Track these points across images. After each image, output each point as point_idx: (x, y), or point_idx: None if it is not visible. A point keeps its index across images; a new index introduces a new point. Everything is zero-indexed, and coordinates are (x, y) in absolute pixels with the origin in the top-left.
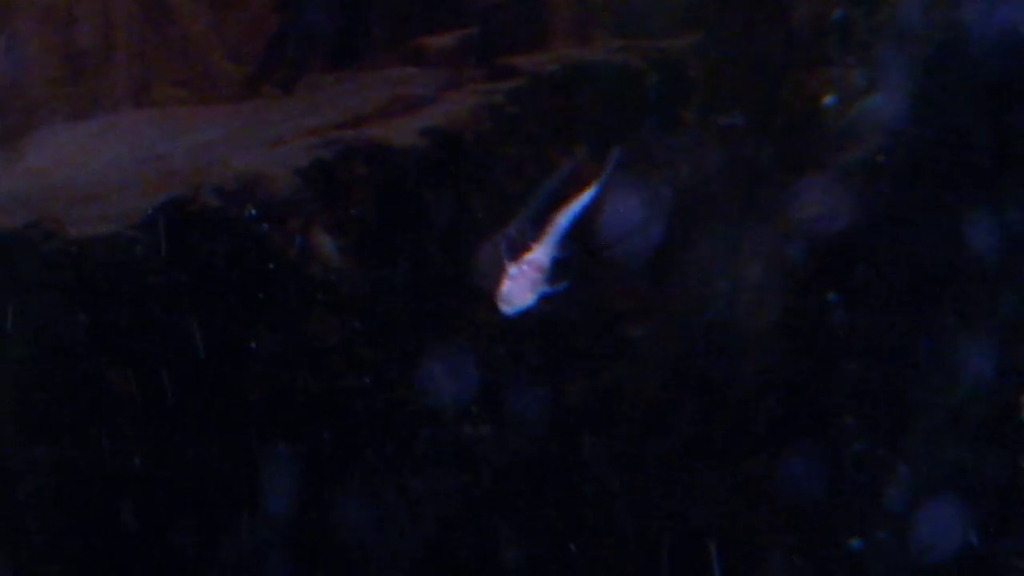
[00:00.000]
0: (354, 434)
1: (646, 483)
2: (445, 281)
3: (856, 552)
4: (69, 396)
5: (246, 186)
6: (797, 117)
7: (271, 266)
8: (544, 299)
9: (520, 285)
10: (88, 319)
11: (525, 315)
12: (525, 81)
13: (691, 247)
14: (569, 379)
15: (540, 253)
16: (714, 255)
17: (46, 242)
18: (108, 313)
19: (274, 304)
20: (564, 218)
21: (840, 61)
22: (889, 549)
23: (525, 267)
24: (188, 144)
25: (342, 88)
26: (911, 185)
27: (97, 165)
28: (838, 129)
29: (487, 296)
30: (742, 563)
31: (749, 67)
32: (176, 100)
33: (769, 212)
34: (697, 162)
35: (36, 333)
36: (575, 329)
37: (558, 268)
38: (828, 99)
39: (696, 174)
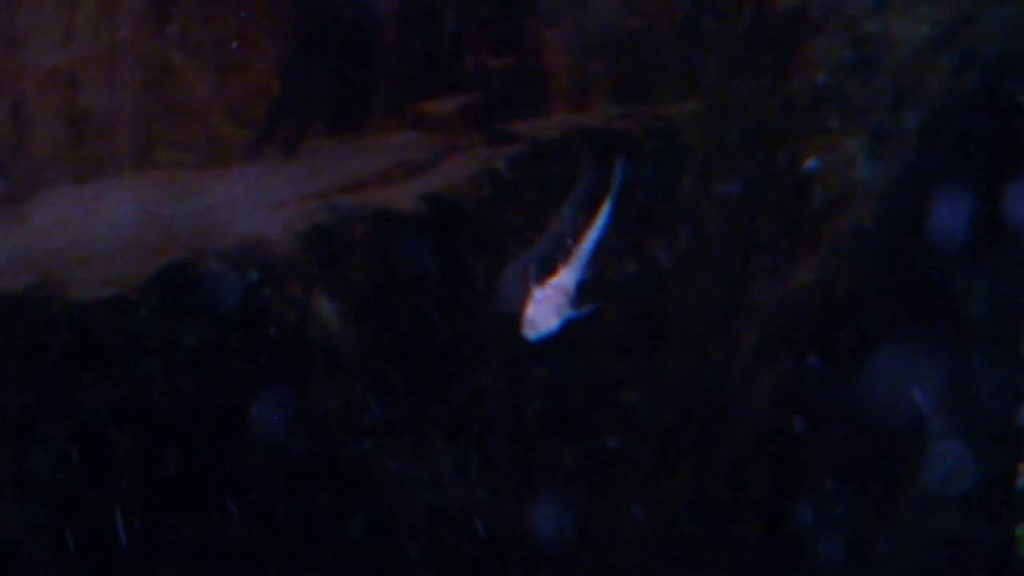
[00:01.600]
0: (352, 500)
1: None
2: (443, 345)
3: None
4: (70, 459)
5: (247, 250)
6: (792, 184)
7: (272, 330)
8: (568, 323)
9: (546, 309)
10: (90, 381)
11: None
12: (524, 147)
13: (687, 312)
14: (567, 444)
15: (565, 276)
16: (710, 320)
17: (48, 304)
18: (110, 376)
19: (275, 368)
20: (586, 241)
21: (835, 129)
22: None
23: (550, 291)
24: (190, 207)
25: (343, 152)
26: (900, 251)
27: (100, 227)
28: (830, 197)
29: (511, 319)
30: None
31: (746, 134)
32: (179, 163)
33: (765, 277)
34: (695, 227)
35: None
36: (573, 394)
37: (583, 291)
38: (810, 162)
39: (694, 239)
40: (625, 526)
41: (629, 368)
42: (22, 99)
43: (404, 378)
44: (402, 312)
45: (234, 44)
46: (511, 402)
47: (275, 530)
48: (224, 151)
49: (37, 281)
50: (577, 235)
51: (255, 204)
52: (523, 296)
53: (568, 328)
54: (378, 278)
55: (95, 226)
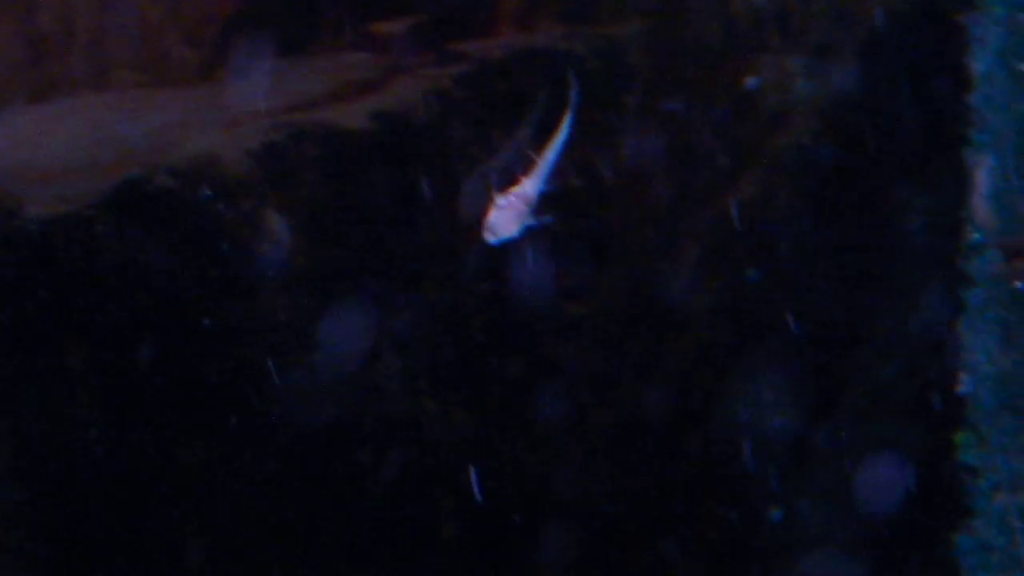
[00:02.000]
0: (301, 414)
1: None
2: (393, 260)
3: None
4: (28, 377)
5: (200, 167)
6: (734, 103)
7: (224, 245)
8: (529, 230)
9: (507, 215)
10: (47, 297)
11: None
12: (472, 66)
13: (631, 226)
14: (512, 355)
15: (528, 186)
16: (654, 234)
17: (5, 222)
18: (67, 291)
19: (227, 281)
20: (548, 153)
21: (776, 47)
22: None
23: (512, 198)
24: (144, 127)
25: (294, 73)
26: (839, 166)
27: (55, 147)
28: (771, 113)
29: (473, 224)
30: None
31: (689, 54)
32: (133, 84)
33: (707, 192)
34: (638, 144)
35: None
36: (518, 307)
37: (544, 201)
38: (750, 81)
39: (637, 155)
40: (571, 437)
41: (574, 281)
42: None
43: (354, 292)
44: (352, 228)
45: None
46: (458, 315)
47: (229, 441)
48: (178, 72)
49: None
50: (538, 148)
51: (208, 123)
52: (485, 202)
53: (515, 243)
54: (328, 194)
55: (50, 145)
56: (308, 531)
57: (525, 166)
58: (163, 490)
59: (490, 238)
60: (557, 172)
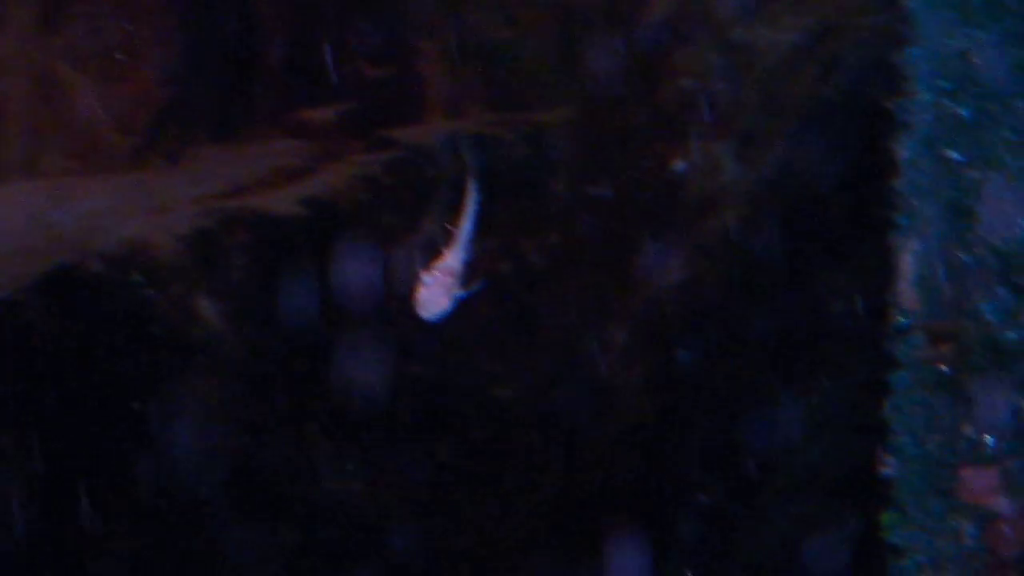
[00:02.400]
0: (233, 497)
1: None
2: (321, 344)
3: None
4: None
5: (131, 253)
6: (661, 187)
7: (155, 330)
8: (460, 302)
9: (436, 291)
10: None
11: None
12: (400, 152)
13: (559, 311)
14: (440, 439)
15: (451, 258)
16: (582, 319)
17: None
18: None
19: (158, 367)
20: (464, 222)
21: (703, 133)
22: None
23: (438, 273)
24: (76, 213)
25: (225, 159)
26: (765, 251)
27: None
28: (699, 198)
29: (405, 303)
30: None
31: (616, 139)
32: (65, 171)
33: (635, 277)
34: (566, 229)
35: None
36: (446, 390)
37: (469, 271)
38: (677, 164)
39: (565, 241)
40: (498, 519)
41: (502, 365)
42: None
43: (283, 376)
44: (281, 312)
45: (119, 55)
46: (387, 398)
47: (160, 525)
48: (109, 159)
49: None
50: (452, 222)
51: (139, 209)
52: (412, 281)
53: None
54: (258, 279)
55: None
56: None
57: (446, 240)
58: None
59: (424, 315)
60: (478, 243)
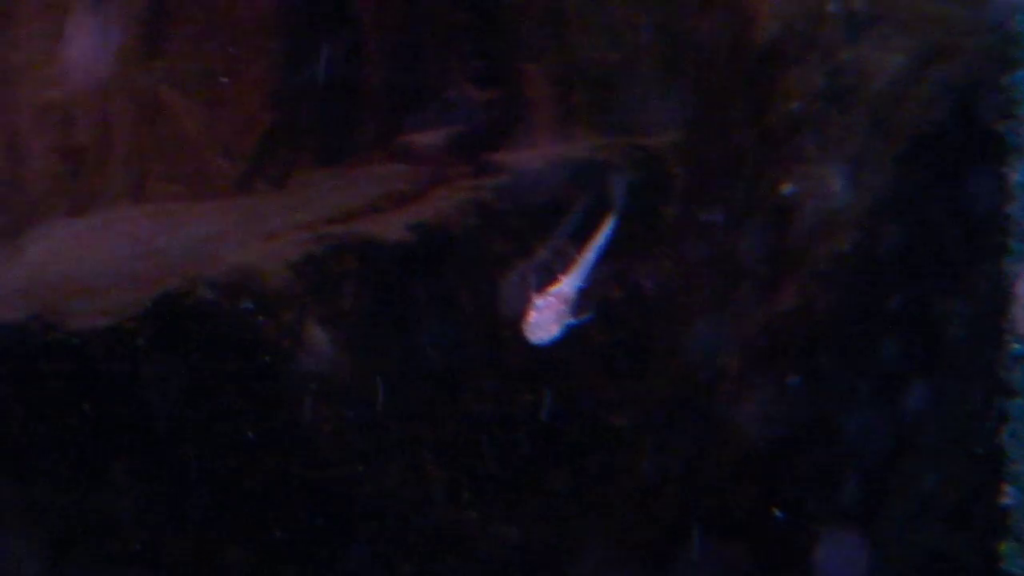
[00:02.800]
0: (346, 524)
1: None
2: (433, 372)
3: None
4: (71, 489)
5: (240, 280)
6: (772, 212)
7: (266, 358)
8: (569, 329)
9: (546, 316)
10: (89, 410)
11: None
12: (510, 177)
13: (672, 337)
14: (555, 466)
15: (566, 285)
16: (695, 346)
17: (47, 334)
18: (108, 405)
19: (269, 394)
20: (589, 251)
21: (813, 157)
22: None
23: (551, 298)
24: (183, 239)
25: (332, 184)
26: (879, 276)
27: (95, 259)
28: (810, 224)
29: (513, 324)
30: None
31: (726, 164)
32: (171, 196)
33: (748, 304)
34: (678, 255)
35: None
36: (559, 419)
37: (583, 300)
38: (787, 188)
39: (677, 266)
40: (613, 548)
41: (616, 393)
42: (17, 134)
43: (395, 404)
44: (392, 340)
45: (224, 78)
46: (500, 426)
47: (273, 556)
48: (215, 183)
49: (35, 312)
50: (579, 247)
51: (247, 235)
52: (524, 303)
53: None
54: (368, 306)
55: (91, 258)
56: None
57: (564, 266)
58: None
59: (532, 339)
60: (595, 273)
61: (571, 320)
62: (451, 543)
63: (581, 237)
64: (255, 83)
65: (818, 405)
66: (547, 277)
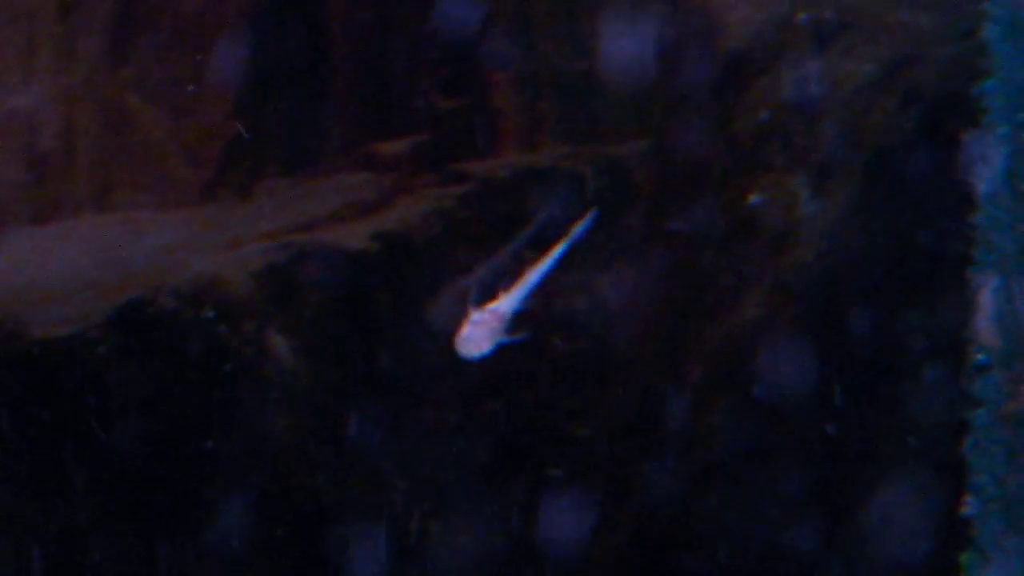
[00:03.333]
0: (307, 533)
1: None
2: (395, 381)
3: None
4: (29, 494)
5: (203, 288)
6: (737, 222)
7: (227, 366)
8: (501, 348)
9: (480, 332)
10: (50, 419)
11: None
12: (475, 186)
13: (635, 347)
14: (515, 477)
15: (504, 303)
16: (658, 356)
17: (8, 343)
18: (69, 414)
19: (230, 403)
20: (532, 274)
21: (779, 166)
22: None
23: (487, 315)
24: (147, 247)
25: (297, 193)
26: (842, 287)
27: (58, 267)
28: (774, 233)
29: (444, 339)
30: None
31: (692, 173)
32: (136, 204)
33: (711, 313)
34: (642, 264)
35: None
36: (520, 429)
37: (519, 320)
38: (754, 198)
39: (641, 276)
40: (576, 560)
41: (578, 403)
42: None
43: (357, 413)
44: (354, 349)
45: (190, 87)
46: (462, 436)
47: (232, 565)
48: (181, 192)
49: None
50: (523, 267)
51: (211, 243)
52: (459, 317)
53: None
54: (331, 315)
55: (53, 266)
56: None
57: (506, 283)
58: None
59: (462, 352)
60: (537, 293)
61: (504, 339)
62: (412, 553)
63: (530, 254)
64: (220, 91)
65: (784, 418)
66: (487, 293)
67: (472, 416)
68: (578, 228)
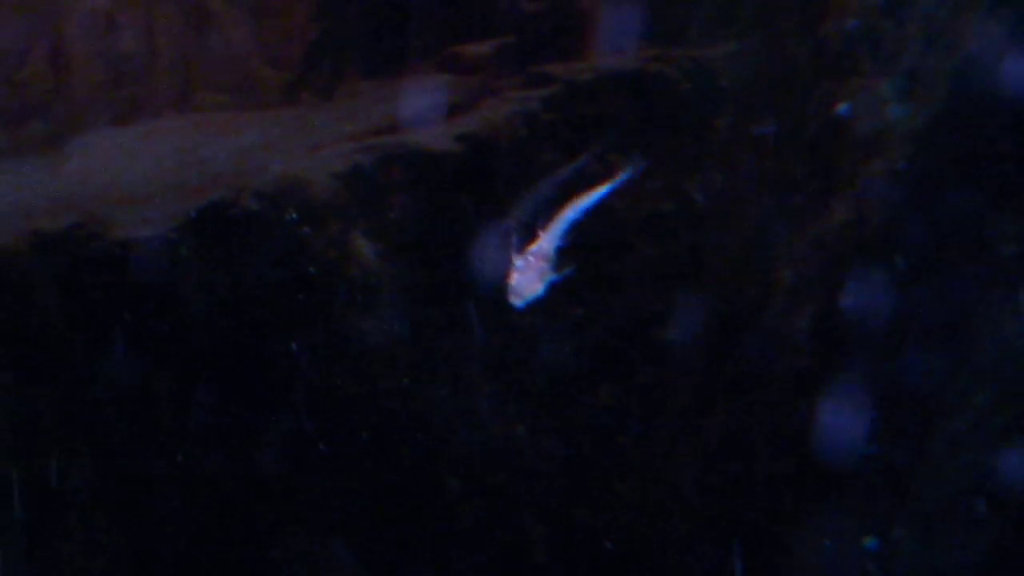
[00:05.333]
0: (392, 435)
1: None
2: (480, 284)
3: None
4: (112, 396)
5: (286, 190)
6: (825, 126)
7: (311, 268)
8: (552, 286)
9: (528, 276)
10: (132, 320)
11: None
12: (560, 88)
13: (723, 250)
14: (604, 382)
15: (544, 242)
16: (746, 258)
17: (90, 243)
18: (151, 313)
19: (314, 306)
20: (571, 211)
21: (867, 71)
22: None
23: (531, 258)
24: (229, 149)
25: (380, 95)
26: (932, 192)
27: (140, 169)
28: (863, 138)
29: (495, 288)
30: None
31: (780, 76)
32: (217, 106)
33: (799, 217)
34: (730, 168)
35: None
36: (608, 331)
37: (562, 256)
38: (842, 107)
39: (729, 179)
40: (662, 464)
41: (665, 306)
42: (61, 42)
43: (441, 316)
44: (439, 251)
45: None
46: (548, 339)
47: (317, 466)
48: (262, 94)
49: (79, 221)
50: (560, 205)
51: (293, 146)
52: (505, 264)
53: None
54: (415, 218)
55: (134, 167)
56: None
57: (544, 223)
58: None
59: (516, 301)
60: (576, 228)
61: (553, 276)
62: (497, 457)
63: (565, 197)
64: None
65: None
66: (526, 236)
67: (559, 321)
68: (623, 175)
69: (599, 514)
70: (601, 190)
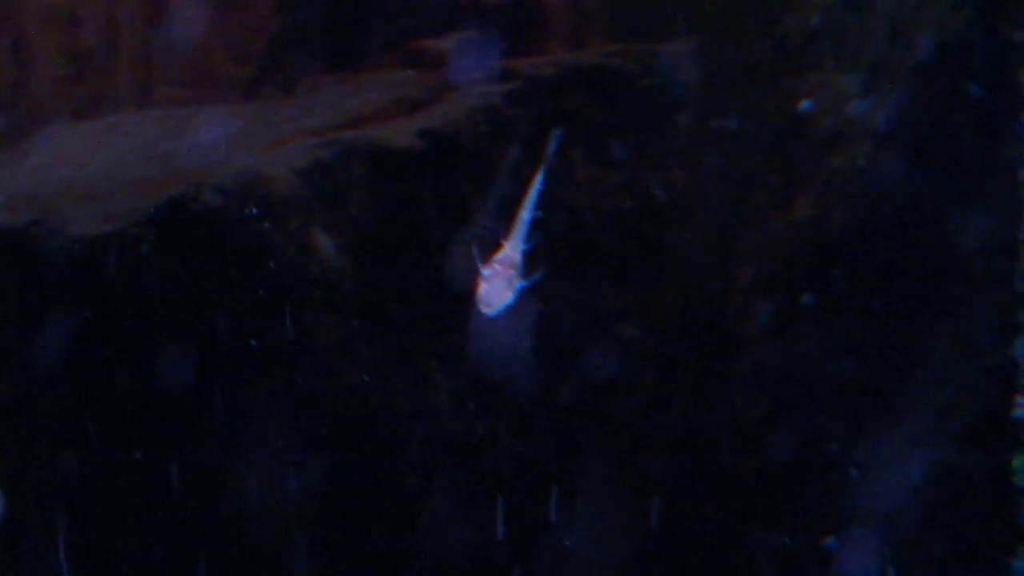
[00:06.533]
0: (352, 431)
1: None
2: (439, 280)
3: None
4: (68, 396)
5: (247, 185)
6: (787, 121)
7: (271, 264)
8: (523, 292)
9: (497, 285)
10: (90, 317)
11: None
12: (521, 83)
13: (684, 247)
14: (561, 376)
15: (509, 249)
16: (707, 255)
17: (49, 240)
18: (110, 311)
19: (274, 301)
20: (523, 210)
21: (829, 66)
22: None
23: (497, 266)
24: (190, 144)
25: (341, 90)
26: (893, 188)
27: (100, 164)
28: (825, 134)
29: (466, 299)
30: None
31: (742, 72)
32: (178, 101)
33: (761, 213)
34: (691, 163)
35: (38, 331)
36: (568, 328)
37: (529, 260)
38: (804, 104)
39: (690, 175)
40: (620, 460)
41: (627, 302)
42: (22, 36)
43: (401, 312)
44: (399, 247)
45: None
46: (507, 335)
47: (275, 463)
48: (224, 88)
49: (38, 217)
50: (513, 209)
51: (254, 141)
52: (472, 276)
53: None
54: (376, 213)
55: (95, 162)
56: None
57: (504, 230)
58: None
59: (487, 310)
60: (534, 229)
61: (522, 283)
62: (457, 454)
63: (515, 194)
64: None
65: (830, 319)
66: (490, 245)
67: (517, 316)
68: (548, 150)
69: (560, 512)
70: (537, 177)
